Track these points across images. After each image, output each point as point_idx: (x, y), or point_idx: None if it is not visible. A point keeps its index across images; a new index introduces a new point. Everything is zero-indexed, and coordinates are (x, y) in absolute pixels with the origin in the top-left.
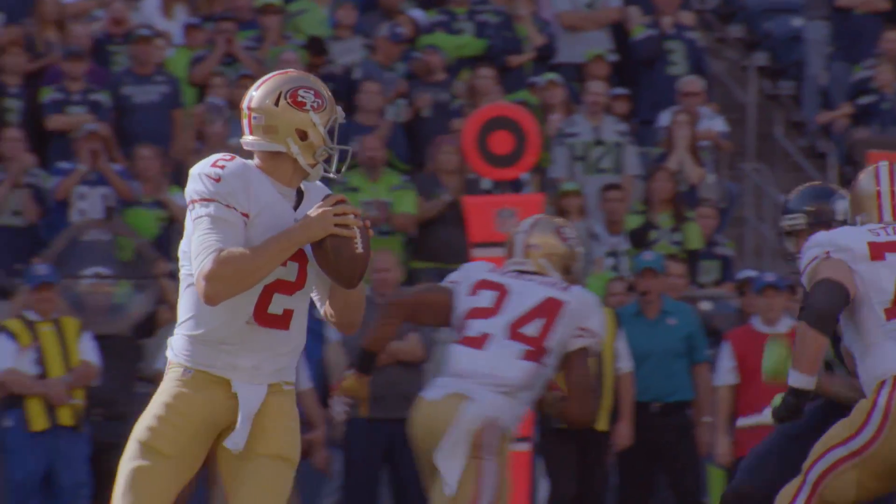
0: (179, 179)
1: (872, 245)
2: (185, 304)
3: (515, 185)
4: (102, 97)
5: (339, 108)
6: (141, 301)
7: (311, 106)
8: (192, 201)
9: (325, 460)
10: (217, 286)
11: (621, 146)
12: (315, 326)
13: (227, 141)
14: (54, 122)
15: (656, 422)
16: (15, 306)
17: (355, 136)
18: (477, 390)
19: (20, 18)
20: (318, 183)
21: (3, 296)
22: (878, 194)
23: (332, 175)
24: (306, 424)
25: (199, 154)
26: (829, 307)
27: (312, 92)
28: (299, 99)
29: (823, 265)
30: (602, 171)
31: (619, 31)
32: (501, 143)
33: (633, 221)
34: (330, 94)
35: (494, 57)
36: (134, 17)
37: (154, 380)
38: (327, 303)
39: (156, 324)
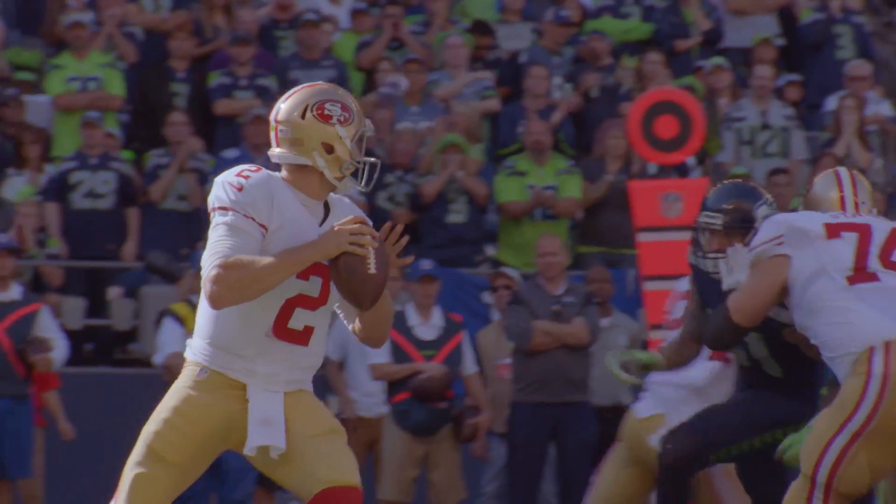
0: None
1: (829, 225)
2: (205, 307)
3: (682, 170)
4: (269, 82)
5: (367, 122)
6: None
7: (338, 119)
8: (213, 209)
9: (483, 448)
10: (219, 290)
11: (788, 130)
12: (480, 309)
13: (393, 127)
14: (222, 106)
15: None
16: (181, 290)
17: (521, 121)
18: (675, 401)
19: (188, 3)
20: (346, 199)
21: (170, 280)
22: (842, 199)
23: (360, 188)
24: (473, 409)
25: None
26: (721, 341)
27: (339, 105)
28: (325, 112)
29: (758, 268)
30: (769, 156)
31: (787, 15)
32: (667, 127)
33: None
34: (358, 106)
35: (661, 41)
36: (300, 2)
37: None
38: (357, 318)
39: None
